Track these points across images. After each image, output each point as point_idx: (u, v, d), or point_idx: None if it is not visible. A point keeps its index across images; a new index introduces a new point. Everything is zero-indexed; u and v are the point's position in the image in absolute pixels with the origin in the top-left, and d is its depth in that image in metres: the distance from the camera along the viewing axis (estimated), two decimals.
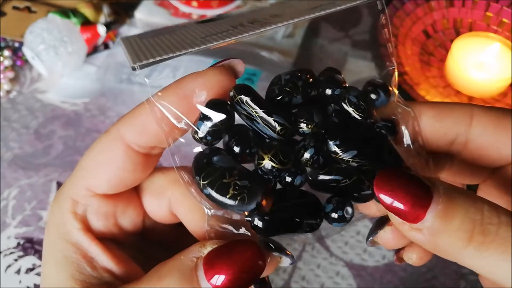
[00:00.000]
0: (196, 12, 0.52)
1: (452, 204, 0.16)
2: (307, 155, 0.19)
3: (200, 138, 0.19)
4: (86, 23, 0.50)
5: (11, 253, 0.39)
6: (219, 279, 0.17)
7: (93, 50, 0.52)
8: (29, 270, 0.38)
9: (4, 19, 0.54)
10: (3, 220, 0.41)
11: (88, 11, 0.51)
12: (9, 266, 0.38)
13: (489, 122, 0.20)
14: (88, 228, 0.20)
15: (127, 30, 0.52)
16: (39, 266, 0.38)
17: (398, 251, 0.22)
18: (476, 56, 0.47)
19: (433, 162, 0.20)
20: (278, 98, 0.20)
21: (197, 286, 0.17)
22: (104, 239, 0.21)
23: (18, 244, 0.39)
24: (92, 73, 0.50)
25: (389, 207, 0.17)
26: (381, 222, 0.21)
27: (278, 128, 0.19)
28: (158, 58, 0.17)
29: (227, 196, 0.18)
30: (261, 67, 0.45)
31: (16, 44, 0.53)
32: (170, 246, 0.23)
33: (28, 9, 0.55)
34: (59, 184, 0.43)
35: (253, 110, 0.19)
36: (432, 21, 0.53)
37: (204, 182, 0.18)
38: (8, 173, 0.44)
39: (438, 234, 0.16)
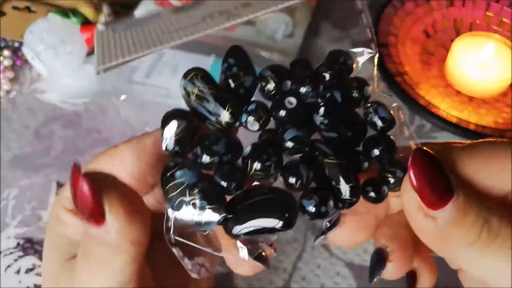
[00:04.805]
0: None
1: (469, 200, 0.17)
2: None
3: (169, 151, 0.19)
4: (86, 23, 0.50)
5: (11, 253, 0.39)
6: None
7: (93, 50, 0.52)
8: (29, 270, 0.38)
9: (4, 19, 0.54)
10: (2, 220, 0.40)
11: (88, 11, 0.51)
12: (8, 266, 0.38)
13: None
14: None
15: None
16: (39, 266, 0.38)
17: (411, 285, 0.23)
18: (477, 56, 0.47)
19: None
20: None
21: None
22: None
23: (18, 244, 0.39)
24: (92, 73, 0.50)
25: (418, 187, 0.17)
26: (380, 260, 0.21)
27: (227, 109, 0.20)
28: (121, 61, 0.18)
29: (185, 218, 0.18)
30: (261, 67, 0.45)
31: (16, 44, 0.53)
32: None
33: (28, 9, 0.55)
34: (59, 184, 0.43)
35: (206, 87, 0.20)
36: (432, 21, 0.53)
37: (166, 197, 0.18)
38: (8, 173, 0.43)
39: (453, 225, 0.17)
